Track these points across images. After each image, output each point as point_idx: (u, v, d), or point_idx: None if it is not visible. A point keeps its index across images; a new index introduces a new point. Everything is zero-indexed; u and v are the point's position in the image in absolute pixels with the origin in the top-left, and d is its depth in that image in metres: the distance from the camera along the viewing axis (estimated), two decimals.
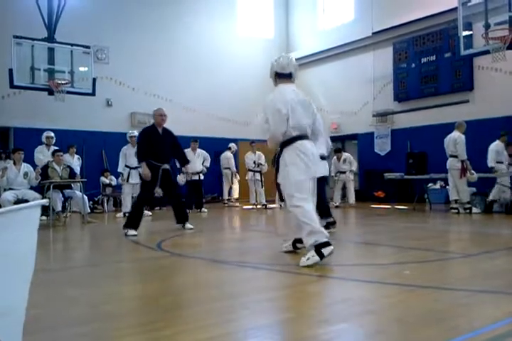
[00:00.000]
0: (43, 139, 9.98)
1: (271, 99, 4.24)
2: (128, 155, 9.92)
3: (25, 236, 1.66)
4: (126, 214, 9.58)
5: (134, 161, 9.74)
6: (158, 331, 2.36)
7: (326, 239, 3.95)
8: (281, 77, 4.35)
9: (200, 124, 14.59)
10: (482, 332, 2.26)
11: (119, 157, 10.08)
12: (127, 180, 9.88)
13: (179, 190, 7.21)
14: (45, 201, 1.76)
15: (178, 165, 7.90)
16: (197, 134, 13.14)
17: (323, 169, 5.07)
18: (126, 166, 9.89)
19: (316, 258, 3.90)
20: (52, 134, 10.09)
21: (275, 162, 4.37)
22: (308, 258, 3.92)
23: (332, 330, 2.37)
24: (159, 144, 6.83)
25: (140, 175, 7.21)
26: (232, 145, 13.12)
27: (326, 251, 3.91)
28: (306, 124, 4.23)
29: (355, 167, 12.60)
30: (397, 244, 5.43)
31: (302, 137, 4.20)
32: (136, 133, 9.91)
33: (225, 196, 13.31)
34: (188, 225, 7.04)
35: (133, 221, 6.57)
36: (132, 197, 9.96)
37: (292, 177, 4.12)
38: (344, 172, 12.34)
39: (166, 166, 6.82)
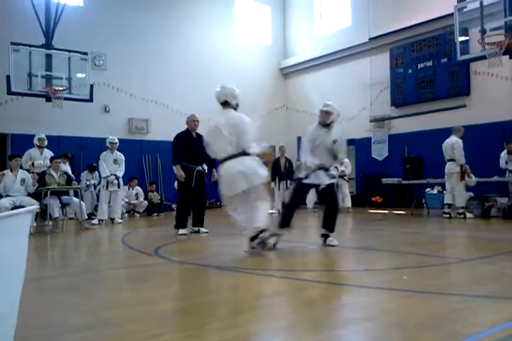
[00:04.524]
0: (35, 141, 9.99)
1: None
2: (107, 161, 9.93)
3: (15, 242, 1.65)
4: (101, 222, 9.65)
5: (112, 168, 9.83)
6: (157, 337, 2.35)
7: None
8: (221, 104, 5.30)
9: (198, 130, 14.57)
10: (481, 337, 2.25)
11: (99, 163, 10.06)
12: (107, 187, 9.88)
13: (206, 194, 7.59)
14: (34, 208, 1.75)
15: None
16: None
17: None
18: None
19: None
20: (44, 136, 10.10)
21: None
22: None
23: (330, 336, 2.37)
24: (193, 147, 7.24)
25: (177, 178, 7.45)
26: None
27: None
28: (225, 146, 5.01)
29: (348, 170, 12.52)
30: (394, 249, 5.43)
31: (225, 159, 5.05)
32: (117, 140, 9.96)
33: None
34: (202, 229, 7.40)
35: (180, 221, 7.27)
36: (109, 204, 10.02)
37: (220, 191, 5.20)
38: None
39: (200, 168, 7.34)
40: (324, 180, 5.64)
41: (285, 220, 5.62)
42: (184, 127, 7.76)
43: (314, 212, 12.25)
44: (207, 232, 7.34)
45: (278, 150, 13.40)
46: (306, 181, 5.67)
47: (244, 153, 5.03)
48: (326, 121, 5.66)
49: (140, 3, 14.34)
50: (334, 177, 5.96)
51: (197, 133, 7.45)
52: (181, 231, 7.16)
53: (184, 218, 7.33)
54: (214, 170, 7.52)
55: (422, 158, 11.71)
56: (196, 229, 7.41)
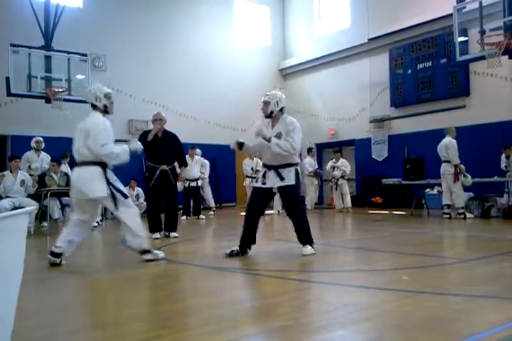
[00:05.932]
0: (32, 144, 9.99)
1: None
2: None
3: (13, 243, 1.65)
4: (99, 223, 9.53)
5: None
6: (159, 338, 2.35)
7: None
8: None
9: (198, 131, 14.60)
10: (481, 337, 2.25)
11: None
12: None
13: (177, 198, 7.24)
14: (32, 208, 1.75)
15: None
16: (194, 141, 13.13)
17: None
18: None
19: None
20: (41, 139, 10.10)
21: None
22: None
23: (330, 337, 2.36)
24: (156, 147, 6.91)
25: (145, 180, 7.22)
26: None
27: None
28: (78, 151, 4.71)
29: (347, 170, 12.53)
30: (394, 250, 5.42)
31: (77, 164, 4.75)
32: None
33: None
34: (172, 234, 7.00)
35: (151, 225, 6.91)
36: None
37: None
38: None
39: (164, 167, 6.91)
40: (274, 182, 4.91)
41: (245, 237, 5.03)
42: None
43: (315, 213, 12.26)
44: (176, 237, 6.90)
45: None
46: (255, 185, 5.13)
47: (93, 163, 4.58)
48: (266, 113, 5.15)
49: (139, 4, 14.34)
50: (296, 178, 4.93)
51: (165, 132, 7.06)
52: (154, 235, 6.79)
53: (154, 221, 6.94)
54: (183, 167, 7.29)
55: (422, 159, 11.71)
56: (167, 233, 7.01)
